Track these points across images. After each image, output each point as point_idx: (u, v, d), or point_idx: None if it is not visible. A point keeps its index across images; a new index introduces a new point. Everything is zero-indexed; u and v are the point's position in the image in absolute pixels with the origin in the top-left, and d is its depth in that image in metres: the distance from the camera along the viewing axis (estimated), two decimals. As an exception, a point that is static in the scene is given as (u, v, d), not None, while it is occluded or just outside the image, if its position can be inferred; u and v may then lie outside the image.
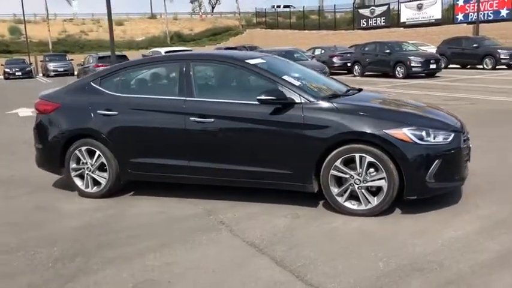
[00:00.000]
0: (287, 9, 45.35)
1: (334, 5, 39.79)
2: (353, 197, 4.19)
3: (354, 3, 46.14)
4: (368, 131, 4.00)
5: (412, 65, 19.14)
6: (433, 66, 19.33)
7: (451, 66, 23.25)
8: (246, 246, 3.68)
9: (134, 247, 3.74)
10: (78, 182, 5.11)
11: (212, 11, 67.01)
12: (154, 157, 4.76)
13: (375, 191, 4.11)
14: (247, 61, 4.67)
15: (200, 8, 67.55)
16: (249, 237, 3.82)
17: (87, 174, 5.04)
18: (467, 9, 28.62)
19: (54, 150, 5.12)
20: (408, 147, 3.93)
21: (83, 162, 5.03)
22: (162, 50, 21.16)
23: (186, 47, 34.13)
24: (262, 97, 4.23)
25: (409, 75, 19.10)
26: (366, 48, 21.75)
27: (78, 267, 3.42)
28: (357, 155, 4.04)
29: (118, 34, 49.78)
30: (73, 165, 5.06)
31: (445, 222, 3.95)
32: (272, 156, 4.34)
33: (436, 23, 30.32)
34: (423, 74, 19.41)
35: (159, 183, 5.01)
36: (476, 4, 26.83)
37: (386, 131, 3.97)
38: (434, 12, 30.67)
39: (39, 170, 5.46)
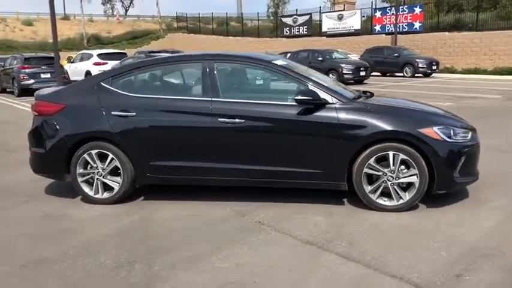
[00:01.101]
0: (209, 15, 45.29)
1: (258, 13, 40.49)
2: (383, 193, 4.39)
3: (267, 11, 47.89)
4: (403, 130, 4.22)
5: (344, 72, 20.16)
6: (362, 73, 20.52)
7: (373, 74, 24.74)
8: (303, 244, 3.71)
9: (190, 251, 3.62)
10: (86, 188, 4.80)
11: (126, 14, 64.98)
12: (177, 159, 4.61)
13: (405, 187, 4.35)
14: (274, 62, 4.70)
15: (112, 10, 65.25)
16: (301, 236, 3.86)
17: (97, 179, 4.75)
18: (384, 21, 30.57)
19: (58, 154, 4.77)
20: (439, 144, 4.21)
21: (91, 167, 4.74)
22: (94, 52, 20.19)
23: (105, 49, 32.77)
24: (300, 97, 4.29)
25: (341, 81, 20.02)
26: (299, 56, 22.46)
27: (145, 274, 3.25)
28: (391, 153, 4.25)
29: (28, 35, 46.73)
30: (80, 170, 4.75)
31: (471, 213, 4.28)
32: (305, 156, 4.41)
33: (356, 33, 32.01)
34: (353, 81, 20.47)
35: (164, 186, 4.89)
36: (394, 17, 28.83)
37: (419, 130, 4.22)
38: (354, 22, 32.37)
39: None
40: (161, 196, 4.94)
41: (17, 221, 4.42)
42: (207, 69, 4.62)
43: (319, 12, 34.95)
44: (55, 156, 4.80)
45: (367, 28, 31.74)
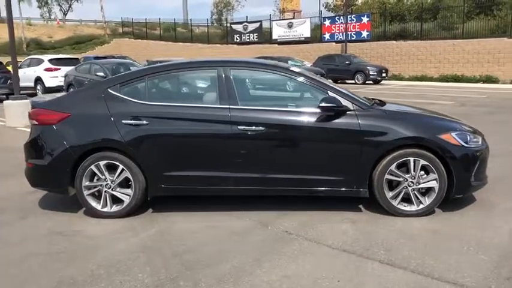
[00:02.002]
0: (155, 20, 44.49)
1: (207, 19, 40.37)
2: (403, 199, 4.44)
3: (211, 18, 47.96)
4: (424, 136, 4.30)
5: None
6: (319, 80, 20.86)
7: (327, 80, 25.30)
8: (342, 253, 3.67)
9: (229, 264, 3.48)
10: (92, 201, 4.52)
11: (64, 18, 62.47)
12: (193, 169, 4.44)
13: (424, 192, 4.43)
14: (292, 69, 4.65)
15: (50, 14, 62.49)
16: (335, 245, 3.82)
17: (106, 191, 4.48)
18: (333, 30, 31.39)
19: (62, 166, 4.46)
20: (458, 150, 4.32)
21: (99, 179, 4.47)
22: (45, 58, 19.19)
23: (47, 54, 31.30)
24: (324, 104, 4.27)
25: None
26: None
27: (195, 291, 3.08)
28: (411, 159, 4.31)
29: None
30: (86, 182, 4.47)
31: (486, 217, 4.41)
32: (327, 163, 4.39)
33: (306, 41, 32.64)
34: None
35: (170, 197, 4.72)
36: (343, 25, 29.71)
37: (439, 136, 4.32)
38: (304, 31, 33.00)
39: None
40: (170, 207, 4.73)
41: (22, 239, 4.07)
42: (223, 76, 4.49)
43: (269, 20, 35.35)
44: (59, 169, 4.48)
45: (316, 36, 32.44)
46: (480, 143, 4.55)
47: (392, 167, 4.34)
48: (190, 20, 42.72)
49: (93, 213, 4.54)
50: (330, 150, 4.38)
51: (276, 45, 33.41)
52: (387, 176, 4.36)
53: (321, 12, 32.22)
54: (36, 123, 4.57)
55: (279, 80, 4.73)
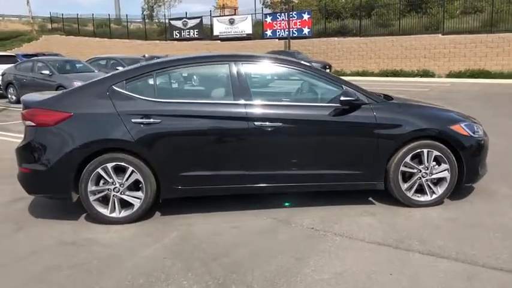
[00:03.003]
0: (87, 16, 42.60)
1: (144, 15, 39.16)
2: (416, 190, 4.52)
3: (142, 14, 46.72)
4: (437, 128, 4.40)
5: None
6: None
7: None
8: (379, 246, 3.66)
9: (272, 265, 3.36)
10: (99, 207, 4.21)
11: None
12: (210, 168, 4.26)
13: (435, 183, 4.54)
14: (303, 63, 4.58)
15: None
16: (367, 238, 3.81)
17: (114, 196, 4.19)
18: (274, 26, 31.67)
19: (64, 170, 4.10)
20: (468, 140, 4.47)
21: (106, 182, 4.17)
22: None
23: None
24: (344, 98, 4.24)
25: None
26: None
27: (254, 295, 2.94)
28: (425, 150, 4.40)
29: None
30: (92, 187, 4.15)
31: (495, 204, 4.59)
32: (344, 157, 4.37)
33: (248, 37, 32.68)
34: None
35: (172, 199, 4.46)
36: (284, 22, 30.07)
37: (450, 127, 4.44)
38: (245, 27, 33.01)
39: None
40: (178, 209, 4.50)
41: (31, 252, 3.69)
42: (235, 71, 4.33)
43: (210, 16, 35.02)
44: (61, 173, 4.12)
45: (258, 33, 32.57)
46: (482, 132, 4.73)
47: (407, 159, 4.40)
48: (126, 15, 41.25)
49: (100, 219, 4.22)
50: (349, 144, 4.37)
51: (219, 41, 33.16)
52: (402, 168, 4.41)
53: (262, 9, 32.32)
54: (33, 124, 4.17)
55: (293, 75, 4.64)
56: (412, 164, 4.42)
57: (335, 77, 4.56)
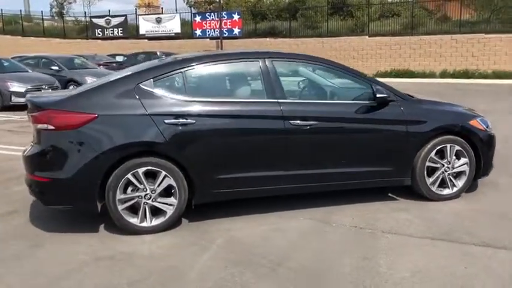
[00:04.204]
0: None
1: (62, 12, 36.85)
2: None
3: (51, 11, 44.13)
4: (460, 123, 4.56)
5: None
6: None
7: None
8: (434, 241, 3.68)
9: (344, 266, 3.26)
10: (128, 216, 3.85)
11: None
12: (247, 170, 4.06)
13: (455, 176, 4.69)
14: (332, 60, 4.51)
15: None
16: (417, 234, 3.84)
17: (145, 203, 3.86)
18: (204, 26, 31.26)
19: (90, 178, 3.71)
20: (484, 134, 4.67)
21: (135, 189, 3.83)
22: None
23: None
24: (380, 95, 4.25)
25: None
26: (138, 58, 21.44)
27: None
28: (448, 145, 4.53)
29: None
30: (121, 195, 3.79)
31: (504, 193, 4.85)
32: (377, 154, 4.38)
33: (176, 36, 31.94)
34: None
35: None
36: (214, 22, 29.91)
37: (469, 122, 4.62)
38: (174, 26, 32.23)
39: None
40: (206, 214, 4.25)
41: (67, 271, 3.26)
42: (267, 68, 4.17)
43: (136, 14, 33.85)
44: (86, 181, 3.71)
45: (187, 32, 32.01)
46: (491, 126, 4.98)
47: (432, 154, 4.51)
48: (42, 12, 38.55)
49: (128, 230, 3.86)
50: (381, 141, 4.39)
51: (146, 40, 32.12)
52: (428, 163, 4.51)
53: (191, 8, 31.83)
54: (52, 127, 3.70)
55: (323, 72, 4.58)
56: (436, 159, 4.54)
57: (362, 74, 4.56)
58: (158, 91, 3.92)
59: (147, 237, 3.85)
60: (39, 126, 3.77)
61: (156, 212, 3.93)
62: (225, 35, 30.05)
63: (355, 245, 3.64)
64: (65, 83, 15.34)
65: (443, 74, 23.03)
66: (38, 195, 3.84)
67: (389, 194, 4.80)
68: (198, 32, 31.52)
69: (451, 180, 4.62)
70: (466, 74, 22.31)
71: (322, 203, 4.52)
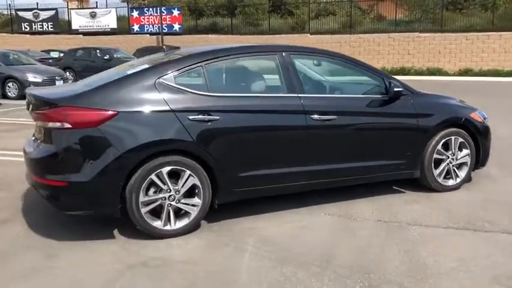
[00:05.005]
0: None
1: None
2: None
3: None
4: (463, 116, 4.72)
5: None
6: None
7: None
8: (461, 231, 3.75)
9: (393, 260, 3.25)
10: (150, 219, 3.60)
11: None
12: (269, 167, 3.95)
13: (457, 167, 4.84)
14: (346, 55, 4.49)
15: None
16: (440, 224, 3.91)
17: (169, 205, 3.63)
18: (142, 21, 30.30)
19: (112, 180, 3.43)
20: (482, 126, 4.86)
21: (158, 190, 3.59)
22: None
23: None
24: (397, 89, 4.29)
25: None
26: (78, 54, 20.38)
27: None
28: (453, 138, 4.68)
29: None
30: (144, 197, 3.53)
31: (502, 184, 5.07)
32: (392, 147, 4.43)
33: (113, 32, 30.74)
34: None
35: None
36: (153, 17, 29.13)
37: (470, 115, 4.79)
38: (110, 21, 30.97)
39: None
40: (221, 214, 4.05)
41: (105, 281, 2.97)
42: (286, 63, 4.08)
43: (67, 8, 32.17)
44: (108, 184, 3.42)
45: (124, 27, 30.91)
46: (487, 118, 5.19)
47: (439, 146, 4.63)
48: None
49: (151, 233, 3.61)
50: (395, 134, 4.45)
51: (81, 36, 30.58)
52: (435, 156, 4.63)
53: (128, 2, 30.74)
54: (67, 126, 3.36)
55: (339, 66, 4.53)
56: (442, 151, 4.66)
57: (375, 69, 4.59)
58: (180, 86, 3.69)
59: (173, 240, 3.62)
60: (51, 124, 3.41)
61: (178, 213, 3.71)
62: (164, 31, 29.37)
63: (388, 238, 3.64)
64: (3, 80, 14.25)
65: (382, 71, 23.97)
66: (54, 200, 3.48)
67: (394, 187, 4.87)
68: (136, 27, 30.56)
69: (454, 171, 4.77)
70: (403, 71, 23.42)
71: (333, 198, 4.48)
